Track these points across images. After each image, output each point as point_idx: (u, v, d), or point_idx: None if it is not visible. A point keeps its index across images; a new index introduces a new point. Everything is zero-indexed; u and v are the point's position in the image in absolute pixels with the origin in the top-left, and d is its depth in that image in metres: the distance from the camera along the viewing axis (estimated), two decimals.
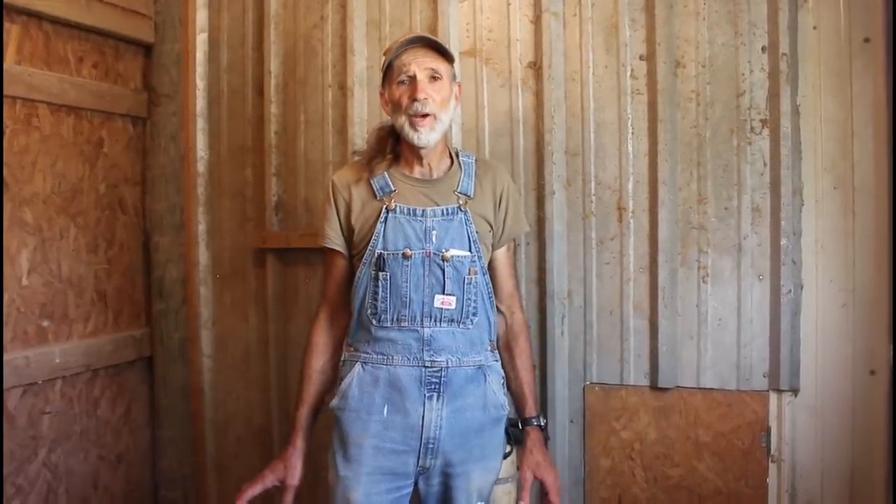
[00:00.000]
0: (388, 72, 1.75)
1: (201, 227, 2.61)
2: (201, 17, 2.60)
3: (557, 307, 2.19)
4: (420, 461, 1.72)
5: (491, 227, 1.80)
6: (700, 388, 2.10)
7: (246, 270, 2.57)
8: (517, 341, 1.85)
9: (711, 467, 2.09)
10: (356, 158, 1.87)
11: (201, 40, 2.60)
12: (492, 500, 1.94)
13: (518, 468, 1.87)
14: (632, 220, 2.15)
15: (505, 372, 1.84)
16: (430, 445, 1.70)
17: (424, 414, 1.70)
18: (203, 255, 2.62)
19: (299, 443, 1.77)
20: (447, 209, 1.75)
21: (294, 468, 1.75)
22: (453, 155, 1.83)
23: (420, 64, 1.71)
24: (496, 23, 2.27)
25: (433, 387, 1.71)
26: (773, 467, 2.06)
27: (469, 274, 1.73)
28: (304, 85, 2.48)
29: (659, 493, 2.14)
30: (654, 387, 2.13)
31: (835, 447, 2.01)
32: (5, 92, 2.17)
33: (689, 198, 2.11)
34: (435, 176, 1.78)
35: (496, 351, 1.83)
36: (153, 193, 2.70)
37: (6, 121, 2.22)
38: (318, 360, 1.80)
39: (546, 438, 2.11)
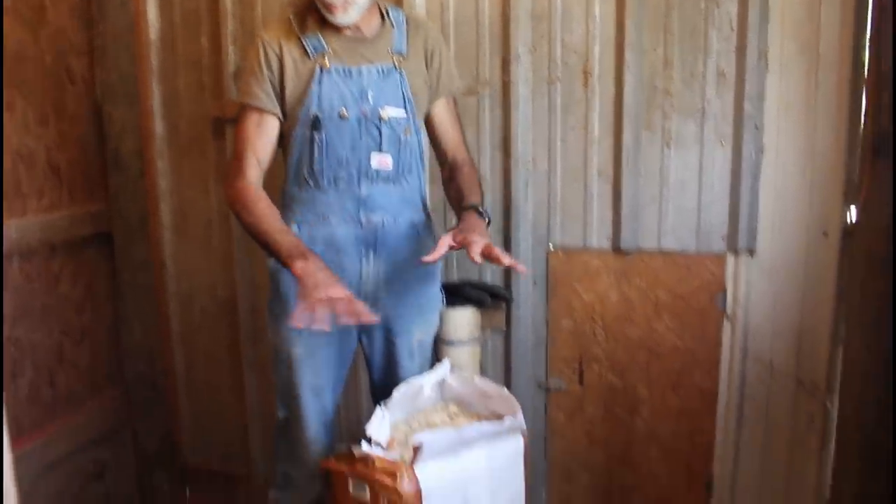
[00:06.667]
0: None
1: (156, 98, 2.52)
2: None
3: (521, 173, 2.20)
4: None
5: (426, 84, 1.79)
6: (660, 251, 2.15)
7: (204, 141, 2.50)
8: (461, 170, 1.83)
9: (669, 327, 2.17)
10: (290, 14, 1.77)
11: None
12: (457, 362, 2.00)
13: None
14: (597, 85, 2.13)
15: (448, 195, 1.86)
16: (369, 302, 1.72)
17: (362, 271, 1.74)
18: (159, 126, 2.54)
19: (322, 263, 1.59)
20: (382, 68, 1.72)
21: (345, 290, 1.54)
22: (383, 12, 1.78)
23: None
24: None
25: (370, 245, 1.74)
26: (727, 326, 2.14)
27: (404, 134, 1.73)
28: None
29: (619, 352, 2.22)
30: (616, 250, 2.18)
31: (785, 306, 2.10)
32: None
33: (654, 62, 2.09)
34: (367, 35, 1.74)
35: (427, 209, 1.85)
36: (103, 63, 2.58)
37: None
38: (266, 199, 1.69)
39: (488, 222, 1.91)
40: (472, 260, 1.56)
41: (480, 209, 1.73)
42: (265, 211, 1.67)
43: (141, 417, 2.71)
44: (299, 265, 1.56)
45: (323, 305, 1.48)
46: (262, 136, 1.72)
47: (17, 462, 2.27)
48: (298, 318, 1.47)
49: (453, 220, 2.23)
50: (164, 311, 2.62)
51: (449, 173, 1.86)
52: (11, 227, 2.29)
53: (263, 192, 1.71)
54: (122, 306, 2.64)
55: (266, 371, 2.48)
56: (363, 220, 1.73)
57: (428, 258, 1.59)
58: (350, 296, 1.52)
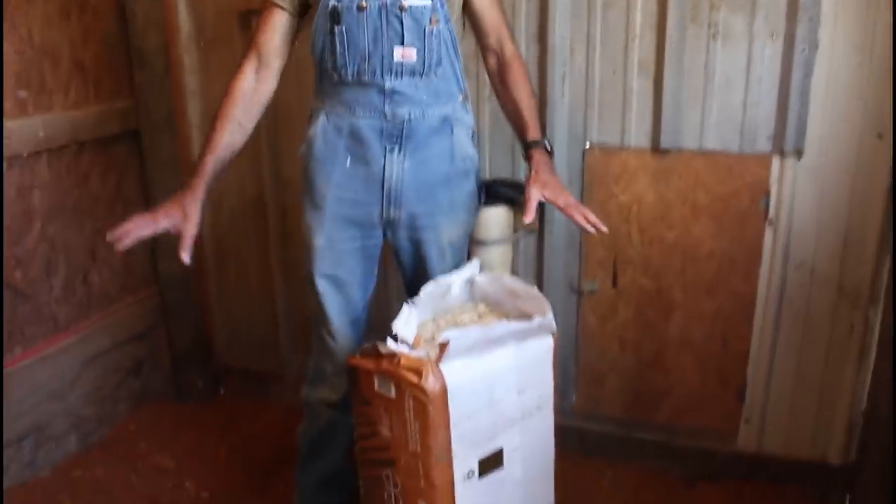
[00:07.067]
0: None
1: None
2: None
3: (558, 66, 2.10)
4: (384, 212, 1.73)
5: None
6: (702, 151, 2.06)
7: (231, 36, 2.43)
8: (510, 70, 1.78)
9: (707, 230, 2.10)
10: None
11: None
12: (488, 262, 1.96)
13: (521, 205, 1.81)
14: None
15: (502, 105, 1.81)
16: (393, 197, 1.71)
17: (385, 166, 1.69)
18: (185, 21, 2.47)
19: (200, 192, 1.66)
20: None
21: (193, 216, 1.64)
22: None
23: None
24: None
25: (395, 139, 1.68)
26: (769, 230, 2.07)
27: (430, 24, 1.63)
28: None
29: (653, 255, 2.17)
30: (655, 149, 2.09)
31: (832, 211, 2.01)
32: None
33: None
34: None
35: (467, 101, 1.78)
36: None
37: None
38: (238, 108, 1.69)
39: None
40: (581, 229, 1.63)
41: (547, 145, 1.73)
42: (218, 121, 1.70)
43: (174, 317, 2.75)
44: (185, 188, 1.67)
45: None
46: (269, 31, 1.69)
47: (57, 355, 2.35)
48: (118, 229, 1.62)
49: (488, 115, 2.19)
50: None
51: (497, 69, 1.79)
52: (38, 123, 2.27)
53: (246, 97, 1.70)
54: (152, 205, 2.62)
55: (296, 271, 2.48)
56: (388, 113, 1.67)
57: (526, 218, 1.58)
58: (183, 234, 1.63)
